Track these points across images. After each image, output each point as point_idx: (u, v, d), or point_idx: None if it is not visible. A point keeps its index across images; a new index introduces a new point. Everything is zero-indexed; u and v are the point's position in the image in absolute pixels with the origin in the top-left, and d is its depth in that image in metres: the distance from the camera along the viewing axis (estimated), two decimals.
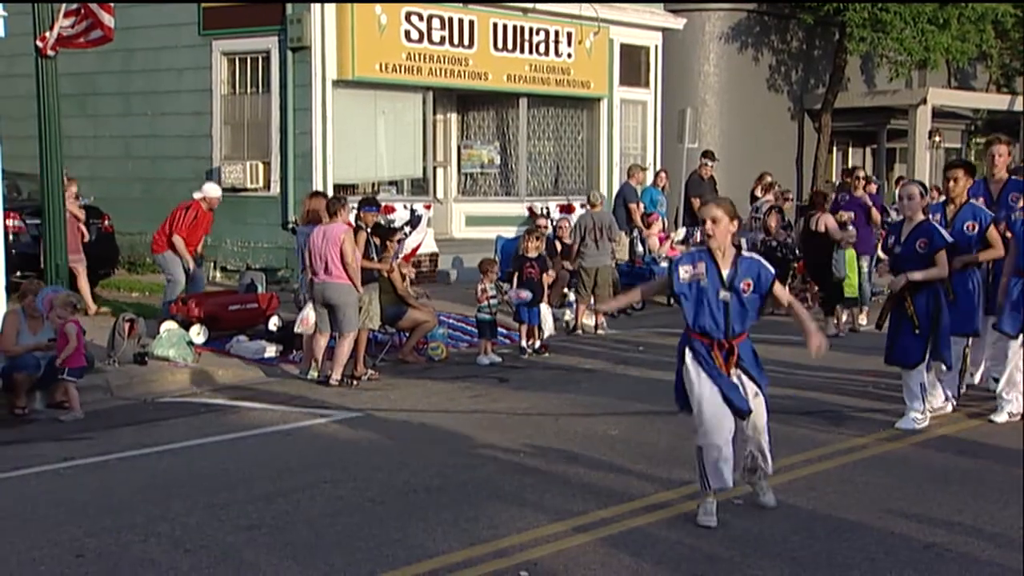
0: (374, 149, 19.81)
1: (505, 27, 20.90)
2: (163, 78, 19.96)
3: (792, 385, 11.51)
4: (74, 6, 11.94)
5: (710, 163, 20.71)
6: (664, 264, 15.77)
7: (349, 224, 12.42)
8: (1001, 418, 9.95)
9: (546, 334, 14.59)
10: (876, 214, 16.66)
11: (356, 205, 13.69)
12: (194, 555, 6.67)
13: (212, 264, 18.65)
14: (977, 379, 10.83)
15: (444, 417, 10.47)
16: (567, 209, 21.45)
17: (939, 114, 30.20)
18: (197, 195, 15.00)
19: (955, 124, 33.01)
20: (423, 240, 16.26)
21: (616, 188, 21.49)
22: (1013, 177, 10.85)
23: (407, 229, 15.42)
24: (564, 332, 15.67)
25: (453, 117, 22.12)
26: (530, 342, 14.19)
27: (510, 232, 19.53)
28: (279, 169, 18.89)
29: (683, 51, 26.26)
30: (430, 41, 19.75)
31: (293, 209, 17.99)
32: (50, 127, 12.10)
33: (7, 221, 13.23)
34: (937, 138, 30.06)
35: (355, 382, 12.16)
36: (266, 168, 18.99)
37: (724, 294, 7.04)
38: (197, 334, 13.43)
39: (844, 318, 15.70)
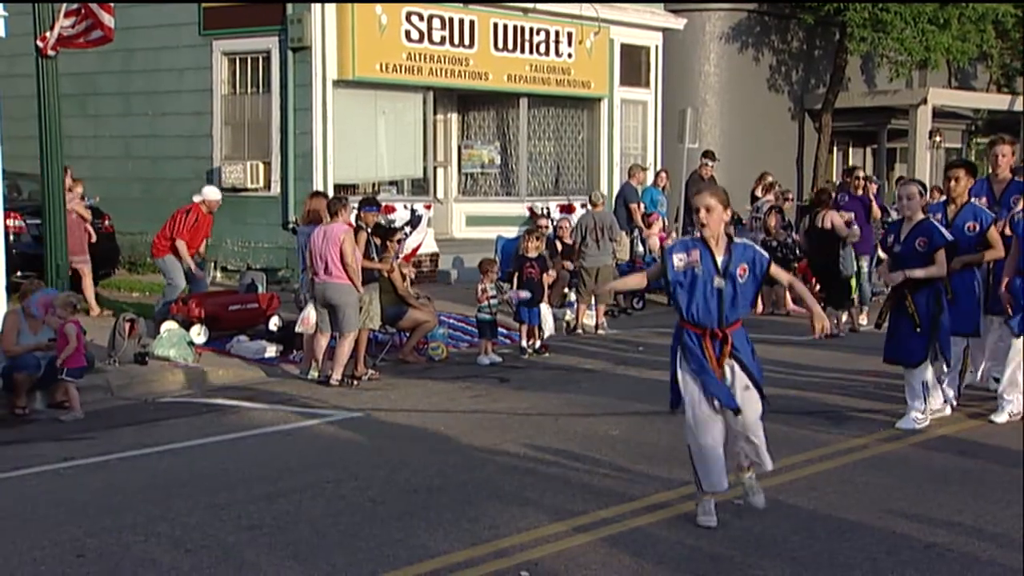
0: (374, 149, 19.81)
1: (505, 27, 20.90)
2: (163, 78, 19.97)
3: (792, 385, 11.51)
4: (74, 6, 11.94)
5: (710, 163, 20.70)
6: None
7: (350, 224, 12.42)
8: (1002, 418, 9.94)
9: (546, 334, 14.60)
10: (876, 209, 16.68)
11: (357, 205, 13.70)
12: (195, 555, 6.67)
13: (213, 264, 18.65)
14: (979, 377, 10.82)
15: (444, 417, 10.47)
16: (567, 209, 21.47)
17: (939, 114, 30.19)
18: (197, 198, 15.01)
19: (955, 124, 33.00)
20: (423, 240, 16.25)
21: (616, 188, 21.49)
22: (1016, 179, 10.84)
23: (407, 229, 15.41)
24: (564, 332, 15.68)
25: (453, 117, 22.12)
26: (530, 342, 14.19)
27: (510, 232, 19.53)
28: (279, 169, 18.89)
29: (683, 51, 26.26)
30: (430, 41, 19.75)
31: (293, 209, 18.00)
32: (51, 127, 12.10)
33: (7, 221, 13.23)
34: (938, 138, 30.07)
35: (355, 382, 12.16)
36: (266, 168, 18.99)
37: (719, 281, 7.00)
38: (197, 334, 13.44)
39: (844, 318, 15.70)
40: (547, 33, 21.53)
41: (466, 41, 20.28)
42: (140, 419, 10.65)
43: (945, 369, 10.04)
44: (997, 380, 10.27)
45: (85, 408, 10.74)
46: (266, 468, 8.67)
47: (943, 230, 9.68)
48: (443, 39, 19.93)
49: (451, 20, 20.04)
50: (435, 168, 21.61)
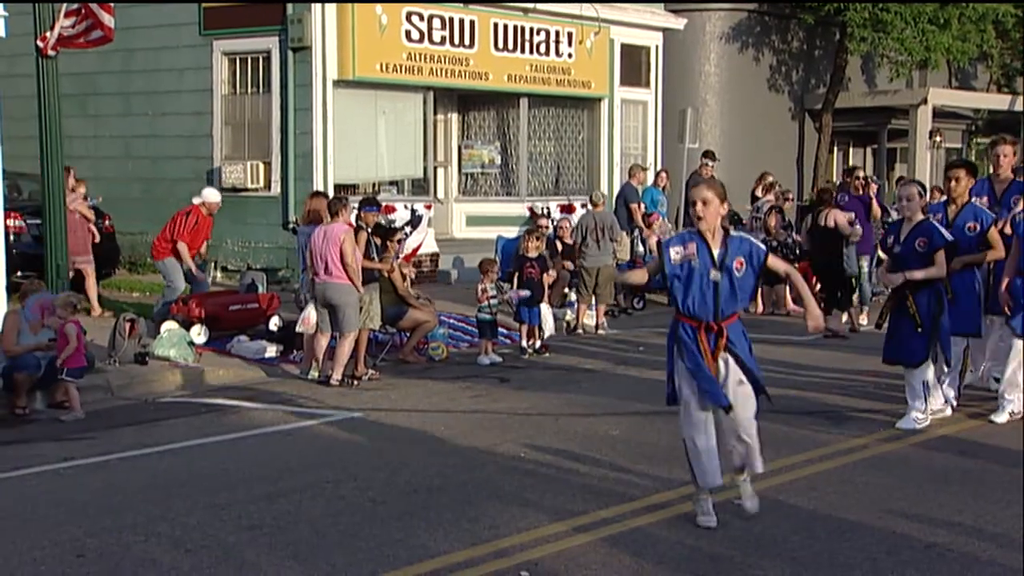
0: (375, 149, 19.81)
1: (506, 27, 20.90)
2: (164, 78, 19.97)
3: (792, 385, 11.51)
4: (74, 6, 11.94)
5: (711, 163, 20.68)
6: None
7: (350, 224, 12.43)
8: (1002, 418, 9.93)
9: (546, 334, 14.60)
10: (876, 209, 16.68)
11: (357, 205, 13.70)
12: (195, 555, 6.67)
13: (213, 264, 18.65)
14: (979, 377, 10.82)
15: (445, 417, 10.47)
16: (568, 209, 21.47)
17: (940, 114, 30.20)
18: (196, 200, 15.01)
19: (956, 124, 33.01)
20: (424, 240, 16.25)
21: (617, 188, 21.48)
22: (1017, 179, 10.84)
23: (408, 229, 15.41)
24: (564, 332, 15.68)
25: (454, 117, 22.12)
26: (530, 342, 14.19)
27: (511, 232, 19.53)
28: (280, 169, 18.89)
29: (684, 51, 26.26)
30: (431, 41, 19.75)
31: (294, 209, 18.00)
32: (51, 127, 12.10)
33: (8, 221, 13.23)
34: (938, 138, 30.07)
35: (356, 382, 12.16)
36: (267, 168, 18.99)
37: (715, 274, 6.99)
38: (198, 334, 13.44)
39: (844, 318, 15.70)
40: (547, 33, 21.53)
41: (466, 41, 20.28)
42: (140, 419, 10.65)
43: (945, 369, 10.04)
44: (997, 380, 10.28)
45: (85, 408, 10.74)
46: (266, 468, 8.67)
47: (943, 231, 9.68)
48: (443, 39, 19.93)
49: (451, 20, 20.04)
50: (435, 168, 21.62)
